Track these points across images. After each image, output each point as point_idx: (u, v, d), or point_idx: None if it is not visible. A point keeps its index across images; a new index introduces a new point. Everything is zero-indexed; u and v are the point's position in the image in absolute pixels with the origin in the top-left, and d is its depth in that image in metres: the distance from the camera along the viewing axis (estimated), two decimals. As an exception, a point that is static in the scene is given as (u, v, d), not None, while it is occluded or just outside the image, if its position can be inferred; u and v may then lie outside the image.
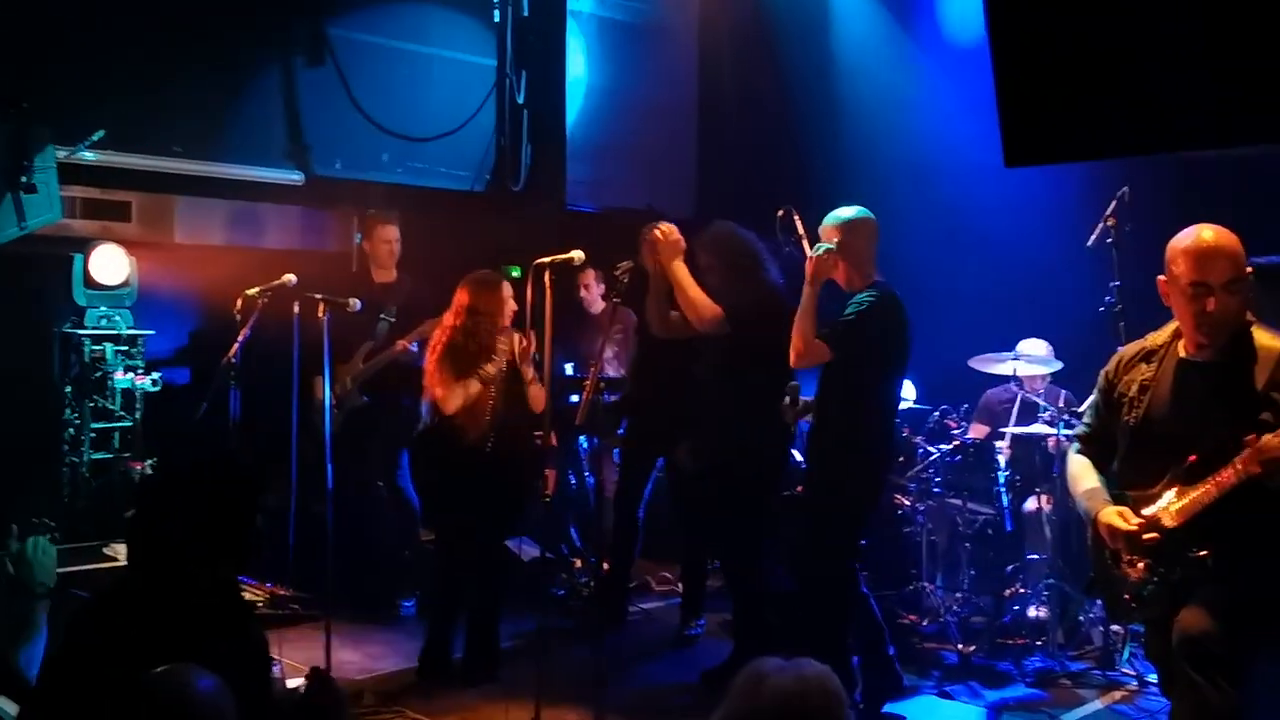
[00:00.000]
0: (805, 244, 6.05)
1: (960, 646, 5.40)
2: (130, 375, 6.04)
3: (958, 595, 5.74)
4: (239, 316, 5.10)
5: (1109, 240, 5.20)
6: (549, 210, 6.92)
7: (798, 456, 6.76)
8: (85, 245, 6.07)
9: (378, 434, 5.96)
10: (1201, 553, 3.15)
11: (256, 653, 2.45)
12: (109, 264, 6.10)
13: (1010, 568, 5.79)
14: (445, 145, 6.80)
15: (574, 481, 6.76)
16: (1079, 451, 3.59)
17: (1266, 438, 2.97)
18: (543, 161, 7.14)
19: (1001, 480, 5.73)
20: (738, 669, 1.79)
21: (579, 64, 7.31)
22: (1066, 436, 5.27)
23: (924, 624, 5.65)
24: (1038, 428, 5.72)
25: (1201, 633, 3.06)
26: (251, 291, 5.09)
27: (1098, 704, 4.89)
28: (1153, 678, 4.32)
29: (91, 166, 5.64)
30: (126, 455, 6.10)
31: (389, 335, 5.87)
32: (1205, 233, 3.23)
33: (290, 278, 5.10)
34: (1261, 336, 3.20)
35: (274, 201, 6.63)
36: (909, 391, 6.29)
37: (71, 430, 6.02)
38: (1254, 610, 3.12)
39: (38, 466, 5.93)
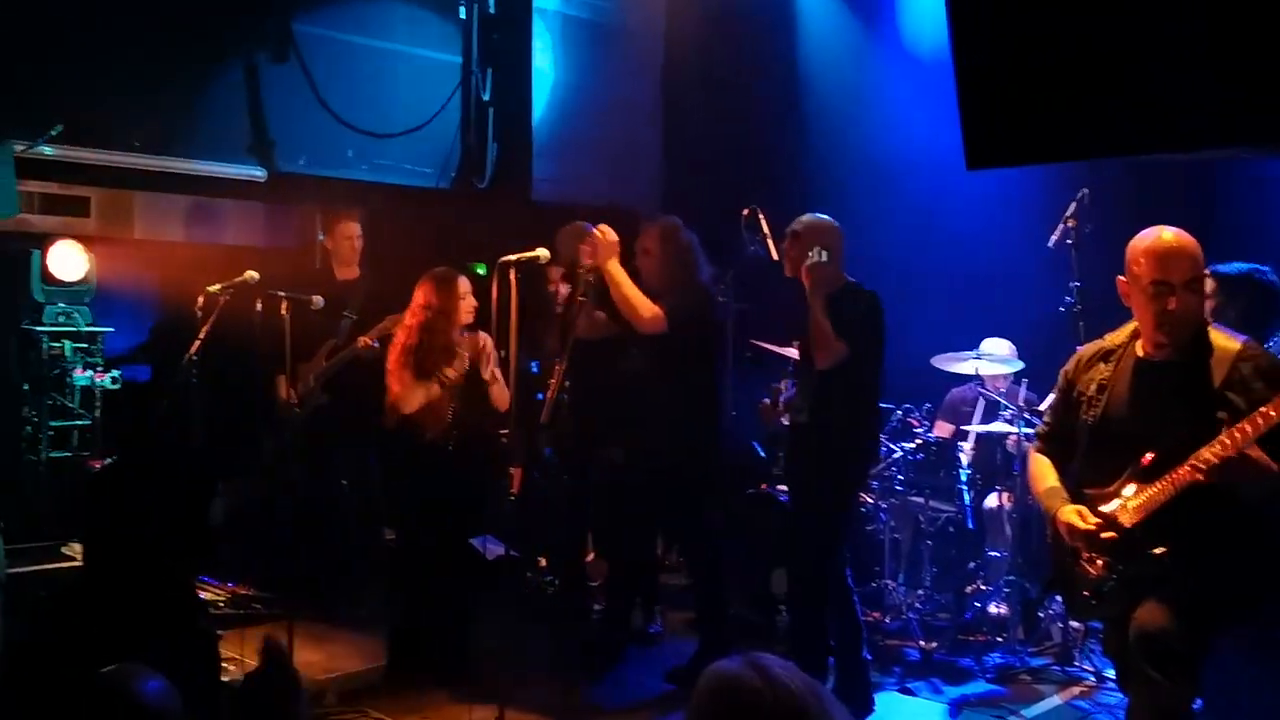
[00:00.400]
0: (770, 243, 6.08)
1: (922, 643, 5.45)
2: (89, 373, 5.97)
3: (920, 592, 5.79)
4: (200, 313, 5.05)
5: (1069, 241, 5.27)
6: (515, 207, 6.89)
7: (761, 453, 6.82)
8: (44, 241, 5.99)
9: (341, 432, 5.92)
10: (1158, 550, 3.20)
11: (206, 648, 2.43)
12: (68, 260, 6.03)
13: (972, 565, 5.85)
14: (410, 142, 6.76)
15: (540, 479, 6.75)
16: (1039, 450, 3.64)
17: (1202, 453, 3.02)
18: (508, 158, 7.11)
19: (963, 478, 5.78)
20: (703, 666, 1.77)
21: (545, 61, 7.29)
22: (1027, 435, 5.33)
23: (886, 621, 5.70)
24: (999, 426, 5.78)
25: (1158, 629, 3.10)
26: (213, 288, 5.05)
27: (1057, 699, 4.95)
28: (1110, 673, 4.37)
29: (50, 161, 5.56)
30: (85, 454, 6.03)
31: (351, 333, 5.84)
32: (1166, 233, 3.28)
33: (252, 274, 5.06)
34: (1217, 337, 3.26)
35: (236, 197, 6.58)
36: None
37: (30, 428, 5.94)
38: (1210, 606, 3.17)
39: (-5, 464, 5.86)
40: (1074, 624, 5.28)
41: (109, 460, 5.92)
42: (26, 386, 5.96)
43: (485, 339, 5.00)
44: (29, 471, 5.92)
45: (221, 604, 5.48)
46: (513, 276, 4.58)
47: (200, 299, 5.06)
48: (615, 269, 4.94)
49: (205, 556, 4.94)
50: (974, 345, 5.92)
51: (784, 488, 5.93)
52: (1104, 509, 3.31)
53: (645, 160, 7.92)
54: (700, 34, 7.67)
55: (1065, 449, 3.54)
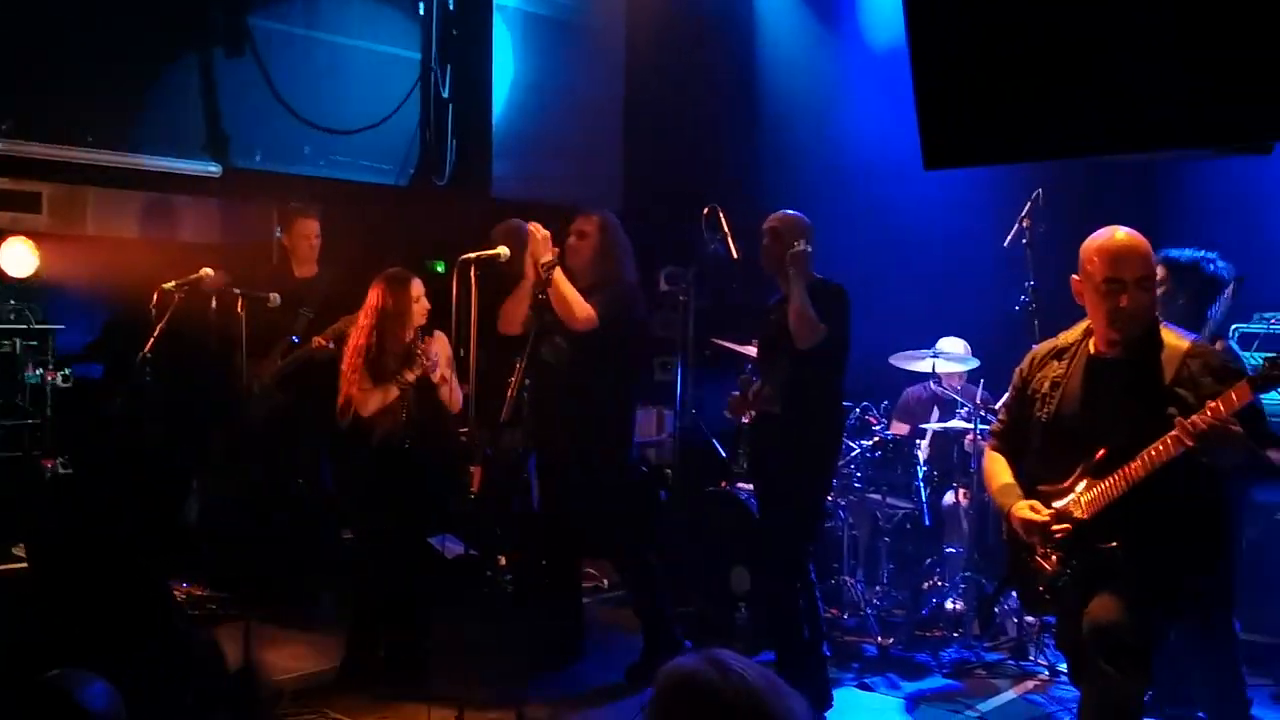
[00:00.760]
0: (730, 242, 6.11)
1: (879, 639, 5.50)
2: (40, 371, 5.87)
3: (877, 589, 5.84)
4: (154, 311, 4.99)
5: (1024, 241, 5.34)
6: (474, 205, 6.87)
7: (722, 451, 6.84)
8: (-7, 237, 5.89)
9: (297, 431, 5.87)
10: (1111, 544, 3.25)
11: (183, 650, 2.40)
12: (18, 257, 5.92)
13: (928, 561, 5.91)
14: (368, 138, 6.71)
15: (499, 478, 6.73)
16: (994, 448, 3.68)
17: (1194, 417, 3.06)
18: (468, 156, 7.09)
19: (920, 475, 5.84)
20: (657, 663, 1.76)
21: (505, 58, 7.27)
22: (983, 433, 5.39)
23: (845, 617, 5.74)
24: (955, 424, 5.84)
25: (1110, 623, 3.15)
26: (168, 285, 4.99)
27: (1011, 694, 5.02)
28: (1064, 668, 4.42)
29: (1, 156, 5.47)
30: (37, 453, 5.93)
31: (307, 331, 5.79)
32: (1118, 233, 3.34)
33: (207, 271, 5.01)
34: (1168, 335, 3.31)
35: (191, 194, 6.50)
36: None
37: (-21, 427, 5.84)
38: (1160, 599, 3.22)
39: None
40: (1028, 619, 5.35)
41: (62, 459, 5.83)
42: (-25, 385, 5.85)
43: (441, 340, 4.98)
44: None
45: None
46: (473, 275, 4.57)
47: (154, 296, 5.00)
48: (552, 273, 4.93)
49: (184, 556, 4.91)
50: (931, 344, 5.98)
51: (745, 485, 5.96)
52: (1057, 504, 3.36)
53: (606, 158, 7.93)
54: (661, 32, 7.68)
55: (1019, 446, 3.59)
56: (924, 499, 5.82)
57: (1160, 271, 4.43)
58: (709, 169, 7.38)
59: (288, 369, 5.80)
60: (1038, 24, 2.76)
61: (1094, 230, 3.40)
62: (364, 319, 4.90)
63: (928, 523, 5.84)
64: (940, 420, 6.06)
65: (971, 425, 5.64)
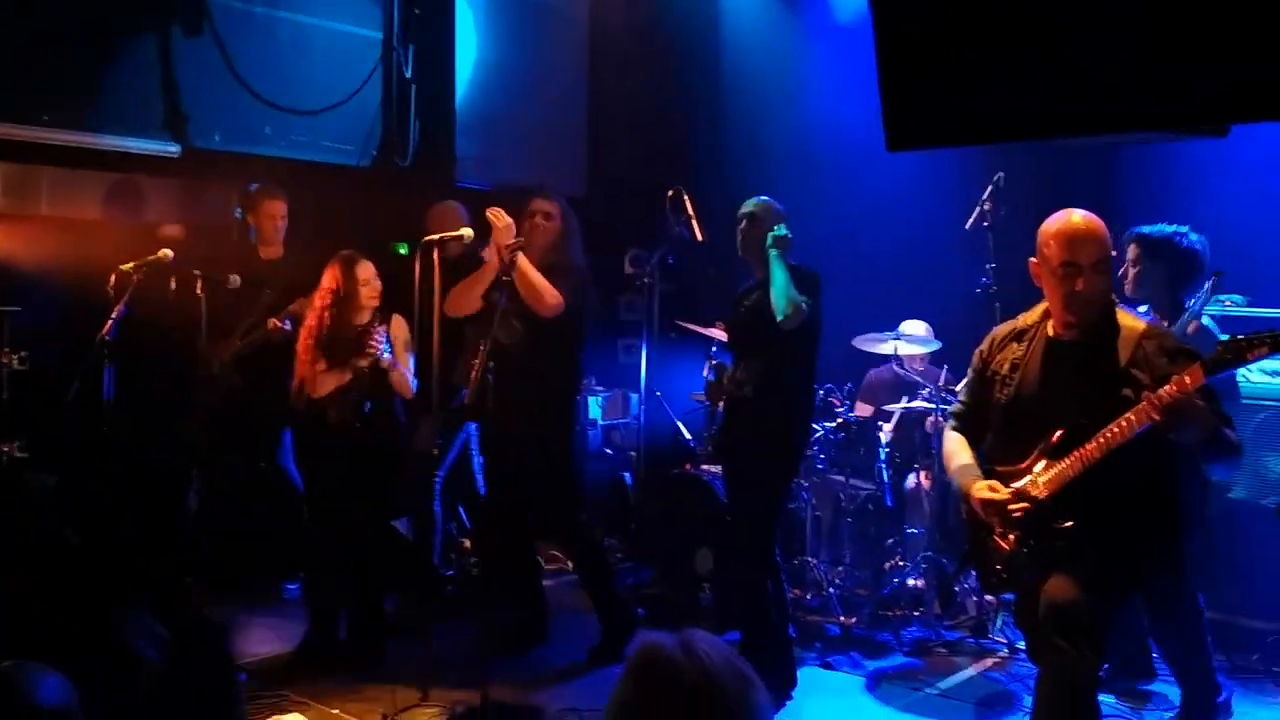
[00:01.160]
0: (695, 224, 6.11)
1: (842, 619, 5.55)
2: (-6, 353, 5.78)
3: (840, 569, 5.89)
4: (112, 293, 4.92)
5: (985, 224, 5.38)
6: (437, 187, 6.83)
7: (687, 434, 6.86)
8: (-55, 218, 5.78)
9: (258, 413, 5.83)
10: (1067, 524, 3.30)
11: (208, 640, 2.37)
12: (-28, 237, 5.83)
13: (890, 541, 5.96)
14: (330, 119, 6.65)
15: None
16: (954, 428, 3.72)
17: (1160, 391, 3.09)
18: (431, 137, 7.04)
19: (883, 457, 5.88)
20: (616, 643, 1.78)
21: (468, 39, 7.22)
22: (944, 414, 5.44)
23: (807, 597, 5.79)
24: (918, 404, 5.89)
25: (1066, 601, 3.20)
26: (126, 267, 4.93)
27: (971, 671, 5.08)
28: (1023, 645, 4.49)
29: (-47, 136, 5.38)
30: (-9, 437, 5.85)
31: (264, 313, 5.73)
32: (1075, 216, 3.37)
33: (166, 252, 4.95)
34: (1124, 317, 3.36)
35: (149, 174, 6.40)
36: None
37: (-68, 411, 5.74)
38: (1115, 577, 3.27)
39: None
40: (988, 598, 5.41)
41: (19, 443, 5.74)
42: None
43: (400, 323, 4.96)
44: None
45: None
46: (436, 257, 4.55)
47: (112, 277, 4.94)
48: (517, 256, 4.92)
49: (188, 553, 4.89)
50: (893, 326, 6.02)
51: (710, 468, 5.99)
52: (1015, 485, 3.40)
53: (570, 140, 7.90)
54: (625, 12, 7.66)
55: (979, 427, 3.63)
56: (886, 480, 5.87)
57: (1133, 249, 4.50)
58: (673, 151, 7.38)
59: (244, 351, 5.75)
60: (1004, 4, 2.77)
61: (1053, 213, 3.43)
62: (318, 300, 4.91)
63: (890, 504, 5.90)
64: (902, 402, 6.11)
65: (933, 407, 5.69)
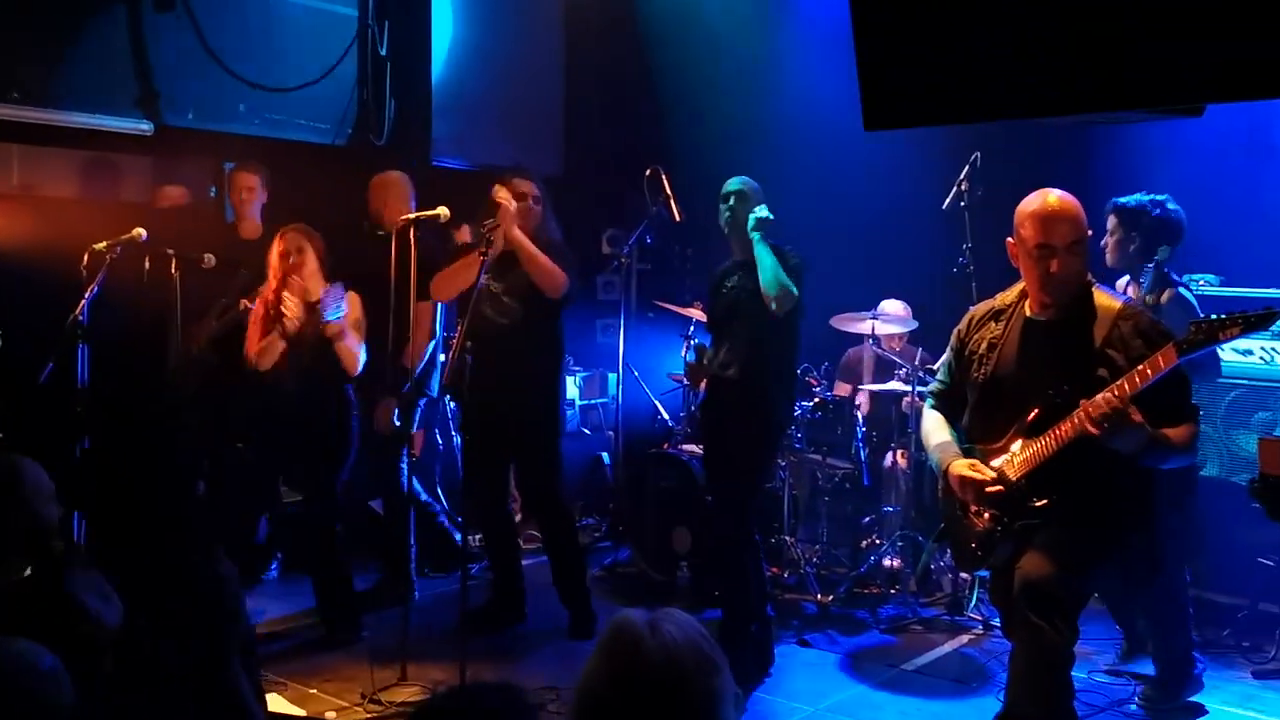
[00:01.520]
0: (673, 204, 6.10)
1: (819, 597, 5.58)
2: (-35, 333, 5.72)
3: (817, 547, 5.92)
4: (85, 272, 4.87)
5: (962, 204, 5.40)
6: (414, 166, 6.78)
7: (665, 414, 6.87)
8: (-86, 196, 5.71)
9: (235, 394, 5.79)
10: (1042, 502, 3.33)
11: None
12: (-59, 216, 5.76)
13: (867, 520, 6.00)
14: (305, 97, 6.59)
15: (441, 442, 6.71)
16: (933, 407, 3.74)
17: (1092, 401, 3.13)
18: (407, 116, 6.99)
19: (859, 436, 5.91)
20: (584, 621, 1.80)
21: (444, 17, 7.16)
22: (921, 394, 5.47)
23: (785, 576, 5.82)
24: (895, 385, 5.92)
25: (1040, 577, 3.23)
26: (99, 246, 4.87)
27: (947, 647, 5.13)
28: (997, 622, 4.54)
29: (-79, 112, 5.30)
30: (-37, 418, 5.79)
31: (238, 294, 5.69)
32: (1050, 197, 3.38)
33: (140, 231, 4.89)
34: (1100, 297, 3.38)
35: (122, 152, 6.34)
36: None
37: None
38: (1089, 554, 3.31)
39: None
40: (963, 575, 5.46)
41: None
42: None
43: (352, 300, 4.95)
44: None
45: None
46: (412, 235, 4.53)
47: (85, 257, 4.89)
48: (519, 235, 4.91)
49: (205, 529, 4.91)
50: (871, 306, 6.04)
51: (688, 447, 6.00)
52: (992, 463, 3.42)
53: (547, 119, 7.86)
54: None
55: (957, 406, 3.65)
56: (863, 459, 5.91)
57: (1111, 220, 4.55)
58: (651, 131, 7.35)
59: (219, 333, 5.71)
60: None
61: (1030, 193, 3.45)
62: (272, 276, 4.97)
63: (867, 482, 5.93)
64: (877, 381, 6.14)
65: (910, 387, 5.71)
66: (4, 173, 6.27)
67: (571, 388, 7.35)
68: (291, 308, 4.82)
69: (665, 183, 6.07)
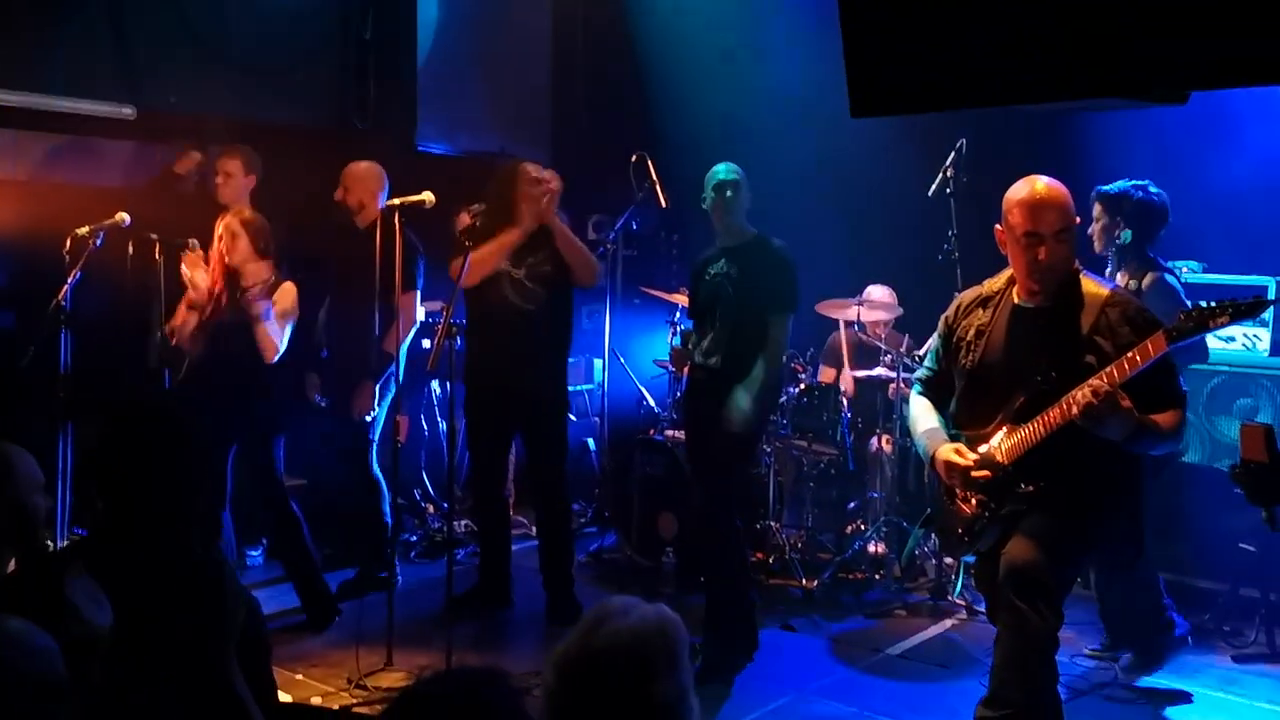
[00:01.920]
0: (659, 189, 6.08)
1: (804, 582, 5.60)
2: (-54, 319, 5.67)
3: (801, 532, 5.94)
4: (68, 257, 4.83)
5: (948, 190, 5.41)
6: (398, 149, 6.74)
7: (650, 400, 6.87)
8: (-110, 179, 5.64)
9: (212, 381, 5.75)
10: (1029, 488, 3.34)
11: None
12: (-80, 199, 5.69)
13: (851, 505, 6.02)
14: (288, 79, 6.54)
15: (426, 428, 6.70)
16: (920, 393, 3.75)
17: (1076, 393, 3.15)
18: (391, 100, 6.95)
19: (845, 421, 5.93)
20: (565, 608, 1.84)
21: (429, 1, 7.11)
22: (906, 379, 5.48)
23: (769, 561, 5.84)
24: (880, 371, 5.93)
25: (1026, 563, 3.25)
26: (81, 231, 4.83)
27: (931, 632, 5.15)
28: (982, 607, 4.56)
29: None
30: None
31: None
32: (1038, 185, 3.39)
33: (123, 217, 4.85)
34: (1088, 284, 3.39)
35: (103, 135, 6.27)
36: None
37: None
38: (1075, 540, 3.33)
39: None
40: (947, 560, 5.49)
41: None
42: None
43: (287, 290, 4.95)
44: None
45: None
46: (397, 221, 4.51)
47: (67, 242, 4.84)
48: (558, 220, 4.94)
49: (215, 522, 4.93)
50: (857, 292, 6.05)
51: (673, 433, 6.00)
52: (980, 449, 3.44)
53: (532, 104, 7.83)
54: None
55: (945, 392, 3.66)
56: (848, 445, 5.92)
57: (1096, 207, 4.59)
58: (637, 117, 7.33)
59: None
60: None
61: (1016, 179, 3.45)
62: (213, 257, 5.01)
63: (851, 468, 5.95)
64: (863, 368, 6.15)
65: (895, 373, 5.73)
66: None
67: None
68: (198, 282, 4.91)
69: (651, 168, 6.06)
